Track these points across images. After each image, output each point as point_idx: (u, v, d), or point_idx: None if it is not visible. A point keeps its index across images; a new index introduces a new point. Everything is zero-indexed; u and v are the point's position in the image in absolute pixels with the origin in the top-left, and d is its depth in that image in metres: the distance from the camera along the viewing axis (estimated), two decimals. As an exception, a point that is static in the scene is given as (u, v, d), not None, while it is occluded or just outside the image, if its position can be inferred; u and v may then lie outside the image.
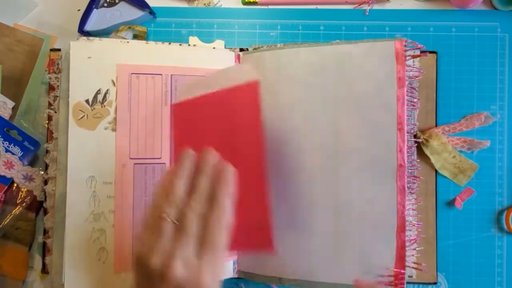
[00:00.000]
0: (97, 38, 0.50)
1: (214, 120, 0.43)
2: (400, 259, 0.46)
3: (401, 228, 0.46)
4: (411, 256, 0.48)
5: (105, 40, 0.50)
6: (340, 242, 0.47)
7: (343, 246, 0.47)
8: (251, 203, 0.40)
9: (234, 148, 0.41)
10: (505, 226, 0.53)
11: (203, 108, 0.43)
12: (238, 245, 0.41)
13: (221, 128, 0.42)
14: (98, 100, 0.49)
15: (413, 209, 0.49)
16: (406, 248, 0.46)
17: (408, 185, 0.48)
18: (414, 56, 0.49)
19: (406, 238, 0.46)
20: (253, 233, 0.41)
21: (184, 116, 0.44)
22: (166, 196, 0.36)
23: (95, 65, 0.49)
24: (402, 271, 0.46)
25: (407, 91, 0.47)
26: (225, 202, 0.36)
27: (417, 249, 0.49)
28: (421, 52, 0.49)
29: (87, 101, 0.49)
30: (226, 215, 0.36)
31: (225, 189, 0.37)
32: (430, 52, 0.53)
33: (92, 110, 0.49)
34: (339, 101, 0.49)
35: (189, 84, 0.48)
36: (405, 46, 0.47)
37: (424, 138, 0.51)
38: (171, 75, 0.50)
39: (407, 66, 0.48)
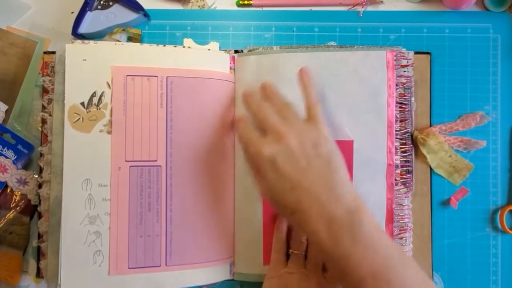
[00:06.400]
0: (92, 41, 0.50)
1: None
2: None
3: (389, 220, 0.51)
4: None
5: (100, 42, 0.50)
6: None
7: None
8: None
9: None
10: (499, 225, 0.53)
11: None
12: None
13: None
14: (93, 102, 0.49)
15: (399, 203, 0.51)
16: (395, 237, 0.51)
17: (403, 180, 0.51)
18: (403, 66, 0.51)
19: (395, 228, 0.51)
20: None
21: None
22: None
23: (90, 67, 0.49)
24: None
25: (399, 95, 0.51)
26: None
27: (408, 240, 0.52)
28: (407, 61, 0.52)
29: (82, 103, 0.49)
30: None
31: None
32: (424, 53, 0.54)
33: (87, 112, 0.49)
34: (336, 104, 0.51)
35: None
36: (395, 56, 0.51)
37: (421, 137, 0.52)
38: (167, 77, 0.50)
39: (398, 74, 0.51)
